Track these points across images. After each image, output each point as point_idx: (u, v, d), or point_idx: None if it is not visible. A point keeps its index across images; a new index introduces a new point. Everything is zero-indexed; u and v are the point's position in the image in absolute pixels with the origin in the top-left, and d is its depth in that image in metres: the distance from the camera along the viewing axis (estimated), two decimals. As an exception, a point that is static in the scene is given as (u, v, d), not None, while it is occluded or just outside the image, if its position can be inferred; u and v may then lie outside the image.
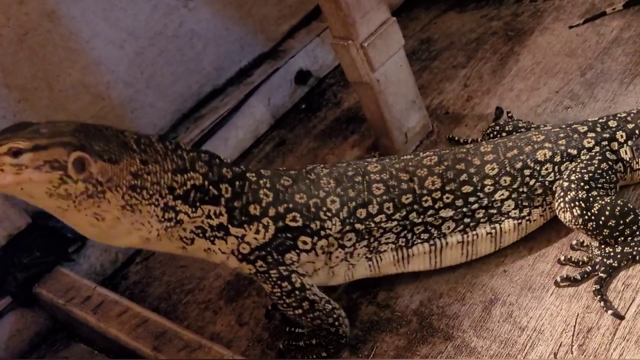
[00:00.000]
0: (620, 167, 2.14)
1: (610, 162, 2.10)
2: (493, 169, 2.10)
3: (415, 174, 2.10)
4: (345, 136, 3.06)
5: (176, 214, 1.90)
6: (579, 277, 2.02)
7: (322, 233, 2.04)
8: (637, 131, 2.16)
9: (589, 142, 2.12)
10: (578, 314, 1.96)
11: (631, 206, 2.02)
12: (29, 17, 2.54)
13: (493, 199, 2.10)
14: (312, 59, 3.42)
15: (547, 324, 1.96)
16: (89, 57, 2.73)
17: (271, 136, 3.26)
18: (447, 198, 2.09)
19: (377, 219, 2.07)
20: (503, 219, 2.13)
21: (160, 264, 2.75)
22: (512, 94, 2.88)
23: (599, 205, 2.00)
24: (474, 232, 2.13)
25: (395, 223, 2.08)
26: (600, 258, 2.03)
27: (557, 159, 2.10)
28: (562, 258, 2.11)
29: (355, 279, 2.17)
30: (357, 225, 2.06)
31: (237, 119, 3.16)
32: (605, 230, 2.01)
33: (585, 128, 2.16)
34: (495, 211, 2.11)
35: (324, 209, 2.04)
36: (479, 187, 2.09)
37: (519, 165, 2.10)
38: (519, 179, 2.10)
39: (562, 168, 2.10)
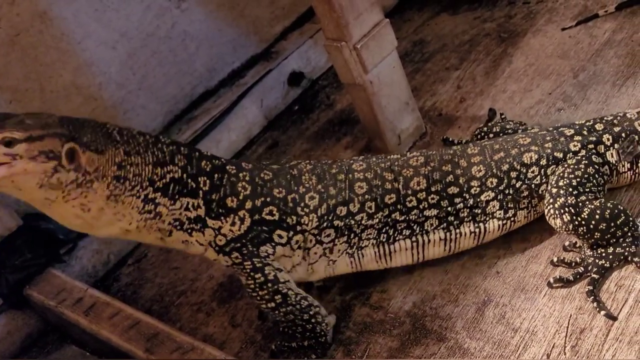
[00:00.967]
0: (606, 170, 2.14)
1: (597, 166, 2.11)
2: (480, 170, 2.11)
3: (401, 174, 2.11)
4: (338, 138, 3.06)
5: (155, 206, 1.93)
6: (571, 278, 2.03)
7: (298, 228, 2.06)
8: (623, 134, 2.16)
9: (575, 146, 2.13)
10: (571, 315, 1.96)
11: (621, 207, 2.02)
12: (21, 17, 2.53)
13: (478, 200, 2.11)
14: (305, 61, 3.42)
15: (540, 325, 1.96)
16: (80, 58, 2.72)
17: (264, 138, 3.26)
18: (432, 199, 2.10)
19: (357, 217, 2.08)
20: (487, 219, 2.14)
21: (152, 265, 2.75)
22: (505, 95, 2.88)
23: (589, 210, 2.00)
24: (457, 230, 2.14)
25: (377, 220, 2.09)
26: (592, 259, 2.03)
27: (543, 162, 2.11)
28: (555, 259, 2.11)
29: (336, 274, 2.18)
30: (336, 222, 2.08)
31: (230, 121, 3.16)
32: (596, 234, 2.01)
33: (572, 131, 2.16)
34: (479, 211, 2.12)
35: (302, 204, 2.06)
36: (465, 188, 2.10)
37: (505, 167, 2.11)
38: (505, 180, 2.11)
39: (549, 171, 2.11)
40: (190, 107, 3.14)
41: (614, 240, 2.02)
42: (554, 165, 2.11)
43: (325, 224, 2.07)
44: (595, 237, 2.02)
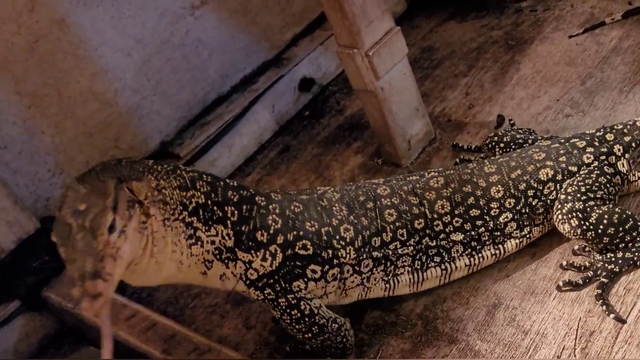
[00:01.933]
0: (618, 180, 2.16)
1: (608, 176, 2.13)
2: (498, 191, 2.12)
3: (425, 197, 2.10)
4: (349, 143, 3.10)
5: (194, 231, 1.88)
6: (581, 282, 2.05)
7: (335, 262, 2.02)
8: (633, 144, 2.19)
9: (588, 158, 2.15)
10: (580, 318, 1.99)
11: (630, 213, 2.04)
12: (40, 25, 2.57)
13: (498, 222, 2.12)
14: (316, 67, 3.46)
15: (550, 328, 2.00)
16: (97, 64, 2.77)
17: (275, 143, 3.29)
18: (457, 222, 2.10)
19: (391, 247, 2.07)
20: (506, 239, 2.15)
21: (166, 268, 2.78)
22: (513, 102, 2.92)
23: (597, 215, 2.02)
24: (480, 255, 2.15)
25: (411, 248, 2.08)
26: (602, 263, 2.06)
27: (559, 177, 2.13)
28: (564, 263, 2.13)
29: (366, 298, 2.16)
30: (375, 254, 2.06)
31: (242, 126, 3.20)
32: (605, 239, 2.03)
33: (584, 143, 2.18)
34: (499, 233, 2.14)
35: (337, 237, 2.02)
36: (485, 210, 2.11)
37: (522, 186, 2.12)
38: (522, 200, 2.12)
39: (564, 185, 2.13)
40: (204, 113, 3.17)
41: (623, 245, 2.05)
42: (569, 180, 2.13)
43: (363, 256, 2.05)
44: (604, 241, 2.04)
